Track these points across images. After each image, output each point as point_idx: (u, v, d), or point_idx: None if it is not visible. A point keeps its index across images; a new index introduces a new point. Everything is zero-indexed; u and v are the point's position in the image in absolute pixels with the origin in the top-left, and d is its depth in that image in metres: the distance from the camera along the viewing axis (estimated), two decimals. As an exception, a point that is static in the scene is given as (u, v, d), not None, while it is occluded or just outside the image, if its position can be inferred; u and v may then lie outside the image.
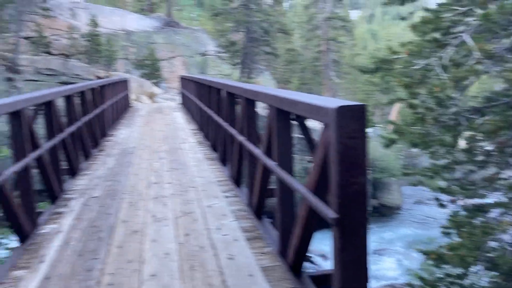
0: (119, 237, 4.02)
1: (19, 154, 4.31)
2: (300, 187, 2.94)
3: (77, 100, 7.77)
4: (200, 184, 5.81)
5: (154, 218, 4.51)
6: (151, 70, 29.02)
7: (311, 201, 2.69)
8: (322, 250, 15.70)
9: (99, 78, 23.13)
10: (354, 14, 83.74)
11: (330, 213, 2.37)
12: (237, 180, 5.80)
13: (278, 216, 3.50)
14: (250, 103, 4.72)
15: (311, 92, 36.48)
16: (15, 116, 4.31)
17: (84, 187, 5.96)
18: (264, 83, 29.97)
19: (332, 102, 2.36)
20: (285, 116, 3.37)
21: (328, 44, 35.36)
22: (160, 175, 6.39)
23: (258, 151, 4.15)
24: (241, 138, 5.00)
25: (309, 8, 38.15)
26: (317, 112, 2.52)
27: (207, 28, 52.29)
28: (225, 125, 6.20)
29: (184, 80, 17.21)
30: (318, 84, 37.88)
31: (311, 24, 37.53)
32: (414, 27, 7.71)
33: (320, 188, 2.70)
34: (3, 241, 5.80)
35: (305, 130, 3.31)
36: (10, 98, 4.57)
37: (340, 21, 35.17)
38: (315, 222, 2.95)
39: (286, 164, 3.40)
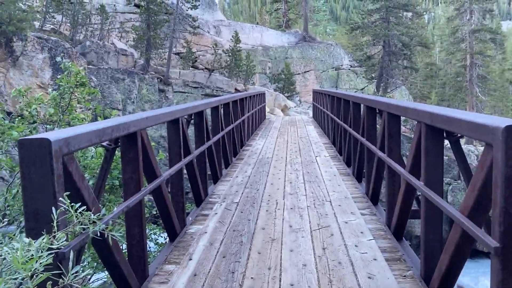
0: (259, 243, 4.18)
1: (174, 158, 4.76)
2: (453, 210, 2.76)
3: (221, 111, 8.33)
4: (335, 199, 5.78)
5: (291, 228, 4.61)
6: (286, 84, 29.81)
7: (466, 226, 2.51)
8: (459, 281, 14.44)
9: (238, 91, 24.50)
10: (505, 25, 76.41)
11: (490, 241, 2.19)
12: (373, 198, 5.64)
13: (423, 238, 3.32)
14: (393, 118, 4.58)
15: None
16: (173, 124, 4.77)
17: (225, 192, 6.32)
18: (400, 98, 28.78)
19: (497, 121, 2.18)
20: (437, 133, 3.20)
21: (474, 58, 32.69)
22: (295, 187, 6.51)
23: (401, 169, 3.99)
24: (381, 154, 4.87)
25: (453, 20, 35.76)
26: (479, 130, 2.35)
27: (342, 42, 52.09)
28: (363, 140, 6.09)
29: (317, 94, 17.35)
30: (460, 101, 35.18)
31: (454, 37, 35.10)
32: None
33: (476, 213, 2.51)
34: (153, 236, 6.42)
35: (458, 149, 3.11)
36: (169, 108, 5.06)
37: (489, 33, 32.31)
38: (468, 249, 2.74)
39: (435, 184, 3.22)
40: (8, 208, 4.46)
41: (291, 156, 9.36)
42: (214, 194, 6.27)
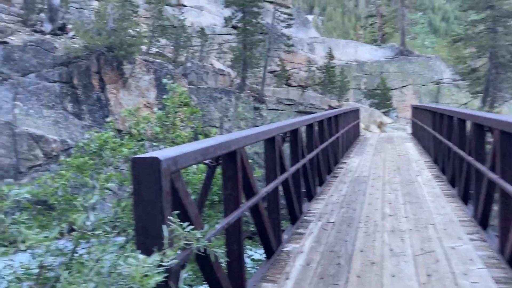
0: (358, 266, 4.04)
1: (270, 176, 4.81)
2: None
3: (316, 128, 8.28)
4: (439, 222, 5.42)
5: (392, 252, 4.39)
6: (381, 100, 28.94)
7: None
8: None
9: (331, 107, 24.26)
10: None
11: None
12: (483, 221, 5.20)
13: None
14: (507, 137, 4.21)
15: None
16: (270, 142, 4.82)
17: (321, 211, 6.23)
18: (510, 113, 26.50)
19: None
20: None
21: None
22: (395, 208, 6.23)
23: (518, 192, 3.64)
24: (492, 175, 4.49)
25: None
26: None
27: (442, 55, 49.41)
28: (470, 159, 5.67)
29: (417, 110, 16.58)
30: None
31: None
32: None
33: None
34: (250, 252, 6.51)
35: None
36: (266, 127, 5.15)
37: None
38: None
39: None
40: (118, 220, 4.79)
41: (389, 175, 8.99)
42: (309, 213, 6.21)
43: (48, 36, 18.37)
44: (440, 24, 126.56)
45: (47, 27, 19.05)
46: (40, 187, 5.80)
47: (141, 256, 1.76)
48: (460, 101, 31.67)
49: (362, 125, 21.61)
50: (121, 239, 5.32)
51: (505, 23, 23.04)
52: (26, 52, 16.93)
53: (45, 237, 1.89)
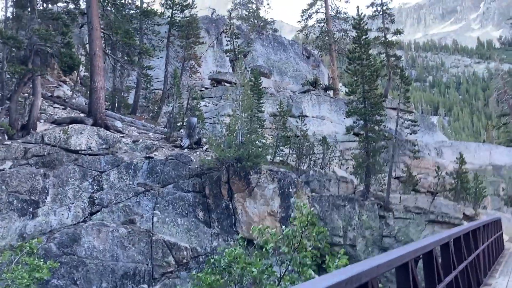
0: None
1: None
2: None
3: (452, 246, 7.63)
4: None
5: None
6: (526, 207, 25.92)
7: None
8: None
9: (466, 216, 22.34)
10: None
11: None
12: None
13: None
14: None
15: None
16: (402, 269, 4.55)
17: None
18: None
19: None
20: None
21: None
22: None
23: None
24: None
25: None
26: None
27: None
28: None
29: None
30: None
31: None
32: None
33: None
34: None
35: None
36: (397, 251, 4.90)
37: None
38: None
39: None
40: None
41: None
42: None
43: (185, 151, 20.40)
44: None
45: (186, 142, 21.24)
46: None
47: None
48: None
49: (505, 237, 19.33)
50: None
51: None
52: (167, 165, 18.87)
53: None
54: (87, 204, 17.75)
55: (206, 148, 21.22)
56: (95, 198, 17.95)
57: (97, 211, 17.75)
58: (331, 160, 27.12)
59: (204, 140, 22.19)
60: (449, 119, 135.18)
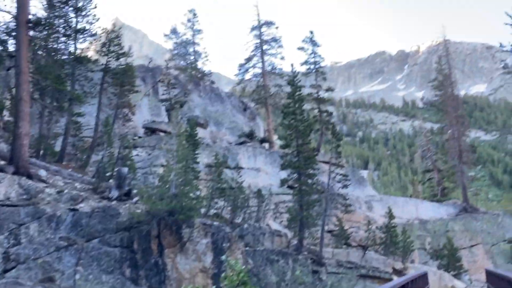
0: None
1: None
2: None
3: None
4: None
5: None
6: (450, 261, 27.00)
7: None
8: None
9: (395, 270, 22.78)
10: None
11: None
12: None
13: None
14: None
15: None
16: None
17: None
18: None
19: None
20: None
21: None
22: None
23: None
24: None
25: None
26: None
27: (510, 208, 47.00)
28: None
29: (494, 277, 15.09)
30: None
31: None
32: None
33: None
34: None
35: None
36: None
37: None
38: None
39: None
40: None
41: None
42: None
43: (114, 202, 19.39)
44: (502, 177, 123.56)
45: (114, 193, 20.23)
46: None
47: None
48: (540, 261, 28.90)
49: (432, 291, 19.80)
50: None
51: None
52: (93, 218, 17.73)
53: None
54: (1, 261, 16.12)
55: (137, 200, 20.32)
56: (10, 253, 16.36)
57: (12, 268, 16.13)
58: (266, 213, 26.98)
59: (135, 191, 21.30)
60: (378, 174, 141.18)
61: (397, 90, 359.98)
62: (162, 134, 31.68)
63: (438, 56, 46.94)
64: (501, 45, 26.62)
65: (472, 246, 30.81)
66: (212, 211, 24.36)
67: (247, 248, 21.19)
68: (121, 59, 28.25)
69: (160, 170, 23.24)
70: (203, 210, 22.33)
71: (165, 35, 48.36)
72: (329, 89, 39.18)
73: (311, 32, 38.95)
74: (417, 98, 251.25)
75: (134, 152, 26.89)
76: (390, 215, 25.91)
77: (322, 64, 39.81)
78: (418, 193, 53.27)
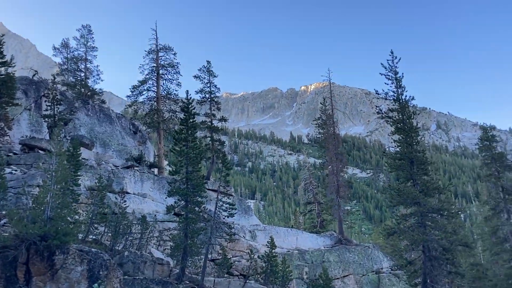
0: None
1: None
2: None
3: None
4: None
5: None
6: (324, 290, 28.43)
7: None
8: None
9: (274, 299, 23.38)
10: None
11: None
12: None
13: None
14: None
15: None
16: None
17: None
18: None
19: None
20: None
21: (522, 258, 31.02)
22: None
23: None
24: None
25: (491, 219, 35.26)
26: None
27: (379, 242, 51.25)
28: None
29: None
30: (519, 307, 32.16)
31: (496, 237, 34.09)
32: None
33: None
34: None
35: None
36: None
37: (532, 232, 31.29)
38: None
39: None
40: None
41: None
42: None
43: (-23, 224, 17.45)
44: (374, 212, 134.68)
45: (-22, 214, 18.24)
46: None
47: None
48: (401, 291, 31.73)
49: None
50: None
51: (433, 219, 24.80)
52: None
53: None
54: None
55: (5, 223, 18.51)
56: None
57: None
58: (149, 241, 26.18)
59: (4, 212, 19.41)
60: (264, 203, 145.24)
61: (286, 125, 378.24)
62: (41, 152, 29.43)
63: (323, 97, 50.42)
64: (376, 92, 29.50)
65: (344, 276, 32.87)
66: (92, 237, 23.05)
67: (126, 277, 20.30)
68: (0, 69, 26.01)
69: (36, 191, 21.52)
70: (80, 236, 21.03)
71: (55, 48, 45.64)
72: (222, 119, 39.86)
73: (208, 62, 39.61)
74: (303, 134, 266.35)
75: (7, 170, 24.59)
76: (272, 245, 26.72)
77: (218, 94, 40.49)
78: (299, 224, 55.82)
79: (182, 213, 24.35)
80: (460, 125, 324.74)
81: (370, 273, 34.02)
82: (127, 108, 44.92)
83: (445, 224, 24.73)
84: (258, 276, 26.42)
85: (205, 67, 39.19)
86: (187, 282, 22.63)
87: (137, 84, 41.75)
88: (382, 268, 35.16)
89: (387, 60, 29.23)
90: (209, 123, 38.36)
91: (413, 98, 28.66)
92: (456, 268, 24.49)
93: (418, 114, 30.30)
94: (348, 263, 33.93)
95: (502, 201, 33.05)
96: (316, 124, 47.33)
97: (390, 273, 34.47)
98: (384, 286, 33.16)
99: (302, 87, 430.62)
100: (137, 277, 20.78)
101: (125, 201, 25.23)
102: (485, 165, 35.36)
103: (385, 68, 29.09)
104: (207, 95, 39.14)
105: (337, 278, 32.11)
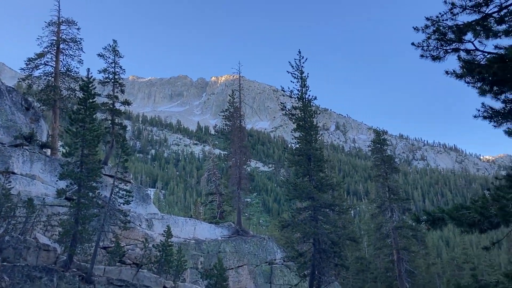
0: None
1: None
2: None
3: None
4: None
5: None
6: (218, 280, 28.70)
7: None
8: None
9: (166, 289, 23.09)
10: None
11: None
12: None
13: None
14: None
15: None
16: None
17: None
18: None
19: None
20: None
21: (400, 253, 34.00)
22: None
23: None
24: None
25: (376, 216, 38.15)
26: None
27: (275, 234, 52.96)
28: None
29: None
30: (393, 297, 35.25)
31: (380, 233, 36.97)
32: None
33: None
34: None
35: None
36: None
37: (410, 230, 34.41)
38: None
39: None
40: None
41: None
42: None
43: None
44: (273, 205, 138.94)
45: None
46: None
47: None
48: (291, 281, 33.12)
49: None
50: None
51: (325, 213, 26.17)
52: None
53: None
54: None
55: None
56: None
57: None
58: (35, 225, 24.39)
59: None
60: (165, 193, 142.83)
61: (194, 114, 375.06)
62: None
63: (232, 89, 50.69)
64: (283, 89, 30.33)
65: (239, 266, 33.45)
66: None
67: (5, 264, 18.77)
68: None
69: None
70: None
71: None
72: (126, 102, 38.21)
73: (115, 41, 37.74)
74: (211, 125, 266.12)
75: None
76: (168, 234, 26.32)
77: (123, 76, 38.74)
78: (200, 214, 55.71)
79: (74, 198, 23.03)
80: (357, 127, 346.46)
81: (263, 264, 35.00)
82: (20, 81, 41.22)
83: (336, 219, 26.25)
84: (152, 265, 25.89)
85: (110, 45, 37.29)
86: (75, 269, 21.50)
87: (33, 57, 38.46)
88: (275, 259, 36.35)
89: (295, 59, 30.17)
90: (111, 105, 36.60)
91: (315, 98, 29.92)
92: (342, 261, 26.11)
93: (319, 114, 31.73)
94: (244, 253, 34.59)
95: (387, 200, 35.85)
96: (223, 115, 47.48)
97: (282, 264, 35.74)
98: (275, 277, 34.33)
99: (213, 78, 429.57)
100: (18, 264, 19.29)
101: (10, 182, 23.28)
102: (375, 166, 38.11)
103: (292, 66, 30.00)
104: (110, 76, 37.26)
105: (231, 268, 32.59)
